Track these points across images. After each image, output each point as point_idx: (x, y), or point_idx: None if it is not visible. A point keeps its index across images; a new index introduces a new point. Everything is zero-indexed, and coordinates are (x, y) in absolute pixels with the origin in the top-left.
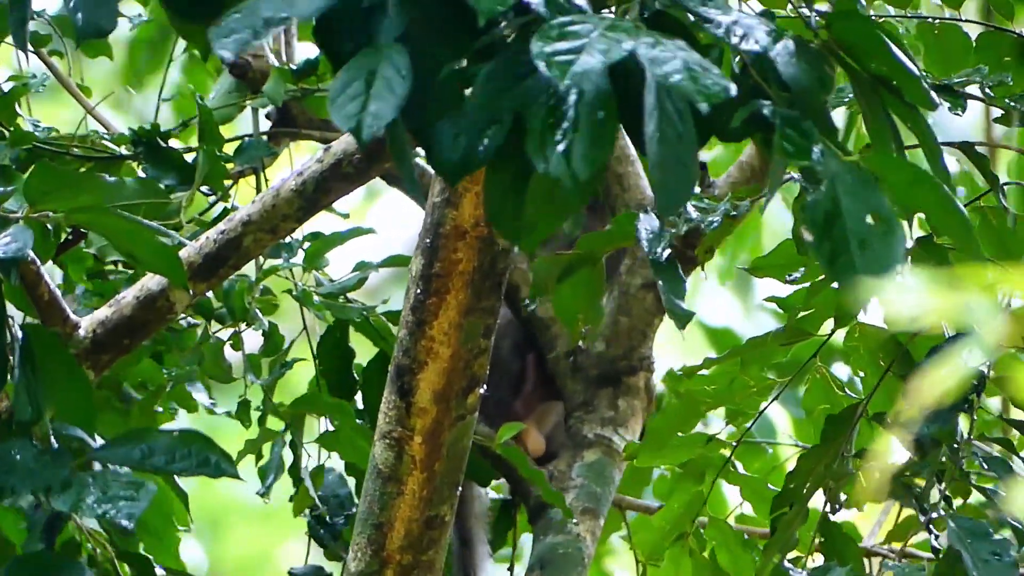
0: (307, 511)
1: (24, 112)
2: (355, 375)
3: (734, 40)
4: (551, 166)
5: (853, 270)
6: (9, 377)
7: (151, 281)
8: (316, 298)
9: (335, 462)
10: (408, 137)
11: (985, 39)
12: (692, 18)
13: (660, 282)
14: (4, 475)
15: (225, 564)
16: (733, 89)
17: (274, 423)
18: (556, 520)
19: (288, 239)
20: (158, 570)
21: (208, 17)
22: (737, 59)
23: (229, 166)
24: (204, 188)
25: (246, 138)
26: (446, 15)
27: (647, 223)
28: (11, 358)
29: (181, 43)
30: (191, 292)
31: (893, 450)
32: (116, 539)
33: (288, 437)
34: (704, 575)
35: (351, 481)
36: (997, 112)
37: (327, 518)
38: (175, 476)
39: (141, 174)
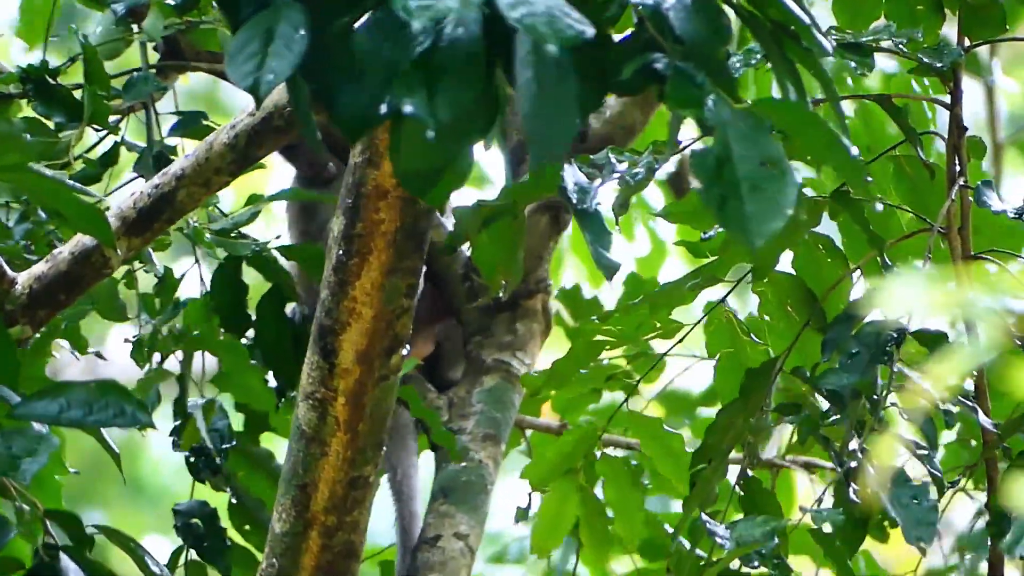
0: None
1: None
2: (247, 311)
3: None
4: (413, 107)
5: (743, 214)
6: None
7: (86, 237)
8: (208, 235)
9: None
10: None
11: None
12: None
13: (587, 234)
14: None
15: None
16: (590, 32)
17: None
18: (459, 448)
19: None
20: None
21: None
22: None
23: (118, 101)
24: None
25: (134, 73)
26: None
27: (574, 176)
28: None
29: None
30: (126, 247)
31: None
32: None
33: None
34: (589, 510)
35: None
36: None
37: (207, 450)
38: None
39: (31, 112)
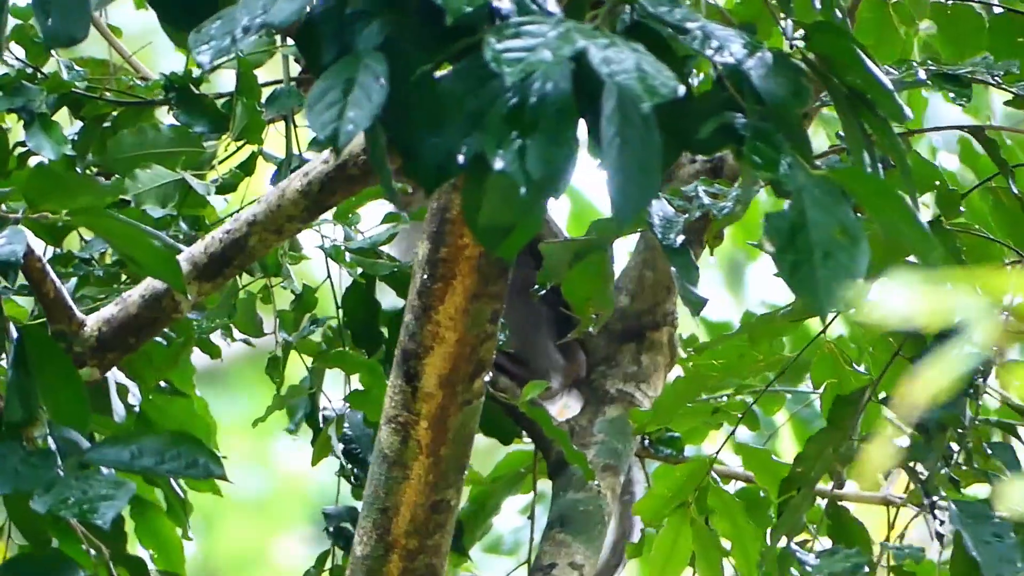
0: (340, 446)
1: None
2: (379, 329)
3: (709, 52)
4: (505, 164)
5: (814, 280)
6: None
7: (157, 280)
8: (347, 255)
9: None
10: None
11: (998, 21)
12: (668, 29)
13: (673, 268)
14: None
15: (218, 559)
16: (682, 90)
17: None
18: (577, 476)
19: None
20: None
21: (197, 25)
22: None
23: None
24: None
25: (276, 86)
26: (424, 22)
27: (660, 209)
28: (3, 358)
29: None
30: (196, 292)
31: (896, 433)
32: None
33: (310, 382)
34: (704, 544)
35: None
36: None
37: (360, 456)
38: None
39: (173, 120)
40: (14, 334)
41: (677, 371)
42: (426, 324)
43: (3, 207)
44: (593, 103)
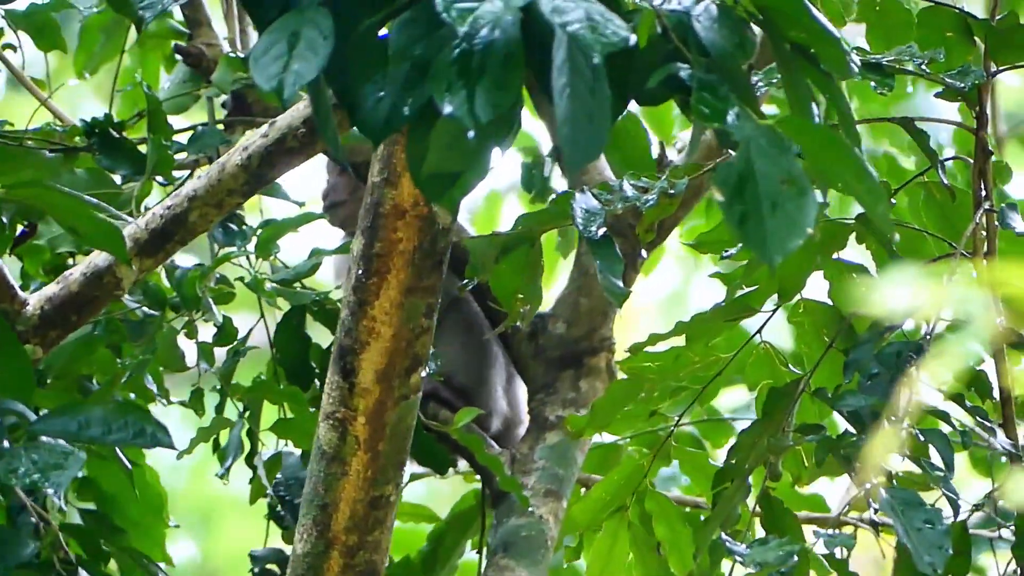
0: (269, 493)
1: None
2: (312, 362)
3: (656, 1)
4: (454, 107)
5: (763, 231)
6: None
7: (98, 258)
8: (269, 285)
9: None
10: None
11: (926, 14)
12: None
13: (596, 260)
14: None
15: (217, 558)
16: (633, 39)
17: (231, 411)
18: (518, 502)
19: (243, 227)
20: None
21: None
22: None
23: (183, 155)
24: (160, 178)
25: (200, 127)
26: None
27: (583, 202)
28: None
29: (135, 31)
30: (138, 268)
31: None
32: (106, 536)
33: (243, 423)
34: (641, 548)
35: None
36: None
37: (289, 499)
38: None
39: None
40: None
41: None
42: (361, 319)
43: None
44: (544, 55)
